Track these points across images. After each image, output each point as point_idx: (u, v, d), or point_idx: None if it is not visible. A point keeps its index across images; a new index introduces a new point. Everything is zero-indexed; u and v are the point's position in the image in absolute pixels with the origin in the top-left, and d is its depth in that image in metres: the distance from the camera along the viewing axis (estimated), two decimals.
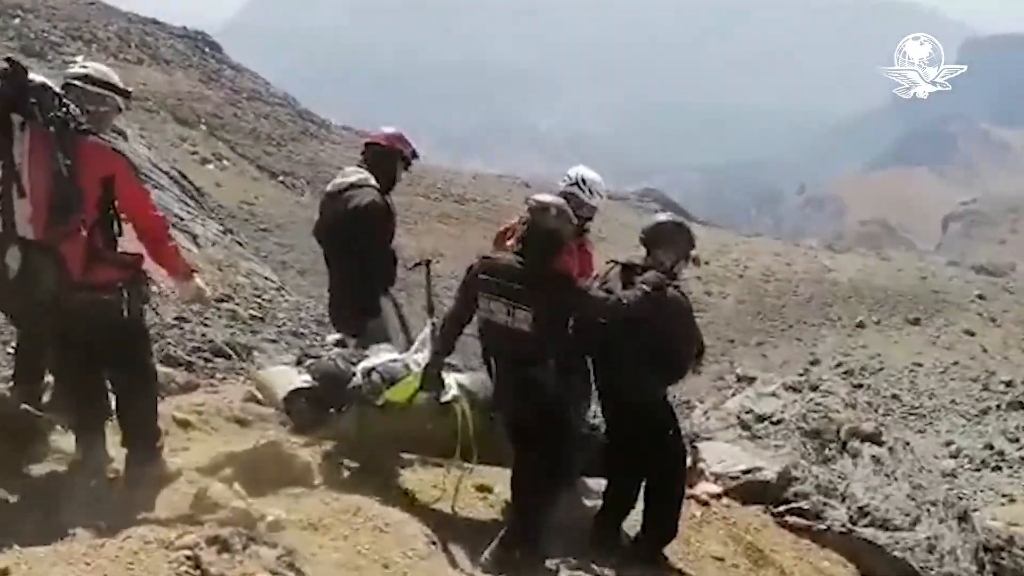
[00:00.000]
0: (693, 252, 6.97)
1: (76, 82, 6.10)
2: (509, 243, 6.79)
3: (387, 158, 7.97)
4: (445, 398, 6.64)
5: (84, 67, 6.27)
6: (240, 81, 39.67)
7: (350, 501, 6.20)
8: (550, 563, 6.30)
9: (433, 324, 6.98)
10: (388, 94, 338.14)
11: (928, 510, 7.34)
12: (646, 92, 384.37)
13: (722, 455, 8.54)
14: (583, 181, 7.66)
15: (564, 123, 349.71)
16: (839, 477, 8.51)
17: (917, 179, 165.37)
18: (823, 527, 8.18)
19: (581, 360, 6.76)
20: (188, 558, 4.42)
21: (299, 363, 7.18)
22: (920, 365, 27.50)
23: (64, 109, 5.43)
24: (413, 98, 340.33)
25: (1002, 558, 9.69)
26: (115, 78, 6.29)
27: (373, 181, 7.77)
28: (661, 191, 67.78)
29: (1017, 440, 23.68)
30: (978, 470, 22.25)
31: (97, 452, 5.97)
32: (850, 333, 29.85)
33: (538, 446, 6.25)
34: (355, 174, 7.86)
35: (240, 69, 41.51)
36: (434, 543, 6.14)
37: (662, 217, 7.25)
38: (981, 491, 20.25)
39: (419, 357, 6.83)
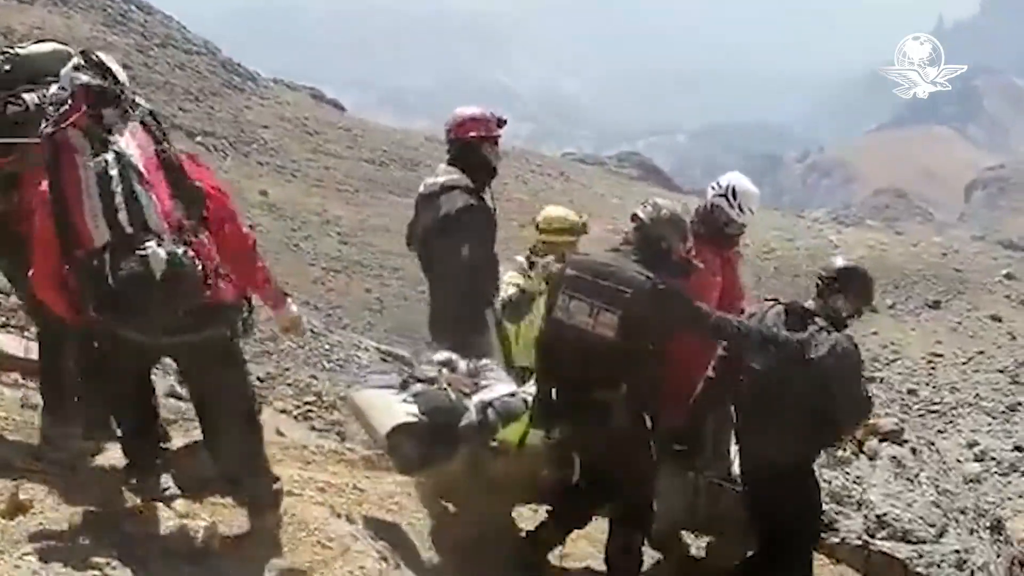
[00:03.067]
0: (869, 305, 7.12)
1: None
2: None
3: (469, 149, 7.89)
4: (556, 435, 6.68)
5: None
6: (152, 25, 39.22)
7: None
8: None
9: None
10: (326, 41, 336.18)
11: (956, 520, 7.40)
12: (632, 49, 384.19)
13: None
14: (734, 194, 7.76)
15: (539, 82, 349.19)
16: (854, 482, 8.55)
17: (937, 141, 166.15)
18: (836, 539, 8.23)
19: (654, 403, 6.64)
20: None
21: (404, 387, 7.00)
22: (940, 355, 27.66)
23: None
24: (356, 46, 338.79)
25: None
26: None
27: (465, 180, 7.71)
28: (643, 155, 67.85)
29: None
30: (1006, 474, 22.44)
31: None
32: (861, 319, 30.01)
33: (611, 493, 6.46)
34: (445, 174, 7.82)
35: (151, 11, 41.05)
36: None
37: (846, 261, 7.21)
38: (1010, 498, 20.41)
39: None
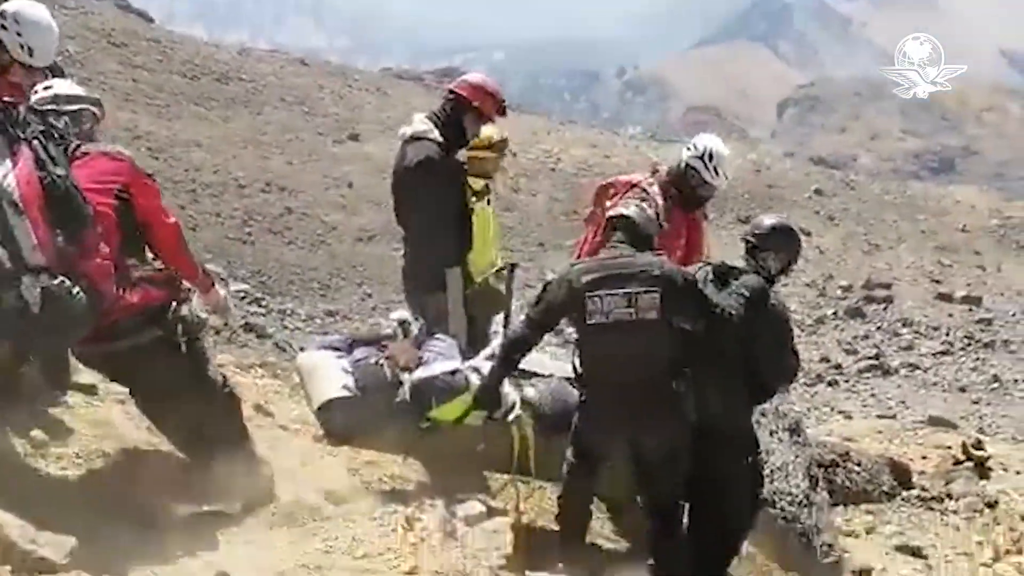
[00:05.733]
0: (796, 264, 7.09)
1: (48, 106, 6.09)
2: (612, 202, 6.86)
3: (454, 107, 7.71)
4: (500, 415, 6.71)
5: (49, 87, 6.32)
6: None
7: None
8: None
9: (507, 334, 6.95)
10: None
11: (757, 422, 7.74)
12: None
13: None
14: (710, 157, 7.83)
15: None
16: None
17: (751, 58, 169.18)
18: None
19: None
20: None
21: (350, 348, 7.03)
22: None
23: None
24: None
25: (836, 475, 10.41)
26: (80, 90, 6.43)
27: (435, 134, 7.54)
28: (462, 71, 67.70)
29: (855, 352, 25.06)
30: (813, 384, 23.43)
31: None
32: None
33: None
34: (420, 123, 7.64)
35: None
36: None
37: (776, 220, 7.15)
38: (816, 408, 21.34)
39: (486, 367, 6.77)
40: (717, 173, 7.94)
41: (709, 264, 6.88)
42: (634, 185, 7.86)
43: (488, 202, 7.98)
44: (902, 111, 78.13)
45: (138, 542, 5.22)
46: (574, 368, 6.45)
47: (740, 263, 6.78)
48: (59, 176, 5.27)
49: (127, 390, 6.36)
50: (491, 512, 6.53)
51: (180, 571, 4.99)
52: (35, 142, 5.33)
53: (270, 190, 28.05)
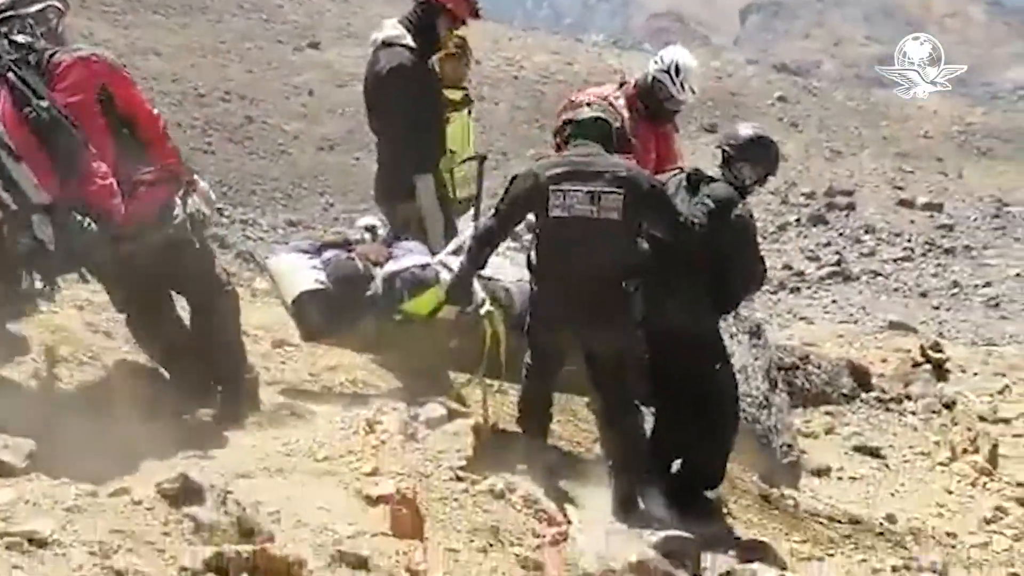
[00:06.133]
0: (773, 176, 7.05)
1: (8, 12, 5.82)
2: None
3: (426, 11, 7.45)
4: (471, 309, 6.67)
5: None
6: None
7: None
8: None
9: (476, 228, 6.84)
10: None
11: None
12: None
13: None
14: (677, 70, 7.76)
15: None
16: None
17: None
18: None
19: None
20: None
21: (319, 251, 6.99)
22: None
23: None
24: None
25: (795, 377, 10.53)
26: None
27: (408, 39, 7.33)
28: None
29: (817, 259, 25.22)
30: (775, 292, 23.59)
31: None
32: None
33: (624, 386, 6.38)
34: (391, 28, 7.43)
35: None
36: None
37: (753, 130, 7.09)
38: (778, 315, 21.49)
39: (454, 262, 6.73)
40: (684, 87, 7.88)
41: (682, 171, 6.87)
42: (604, 98, 7.77)
43: (469, 112, 8.00)
44: (866, 17, 77.90)
45: (98, 446, 5.21)
46: (528, 260, 6.47)
47: (715, 172, 6.77)
48: (43, 108, 5.25)
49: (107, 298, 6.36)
50: (452, 415, 6.54)
51: (141, 473, 4.99)
52: (10, 75, 5.29)
53: (230, 99, 27.84)
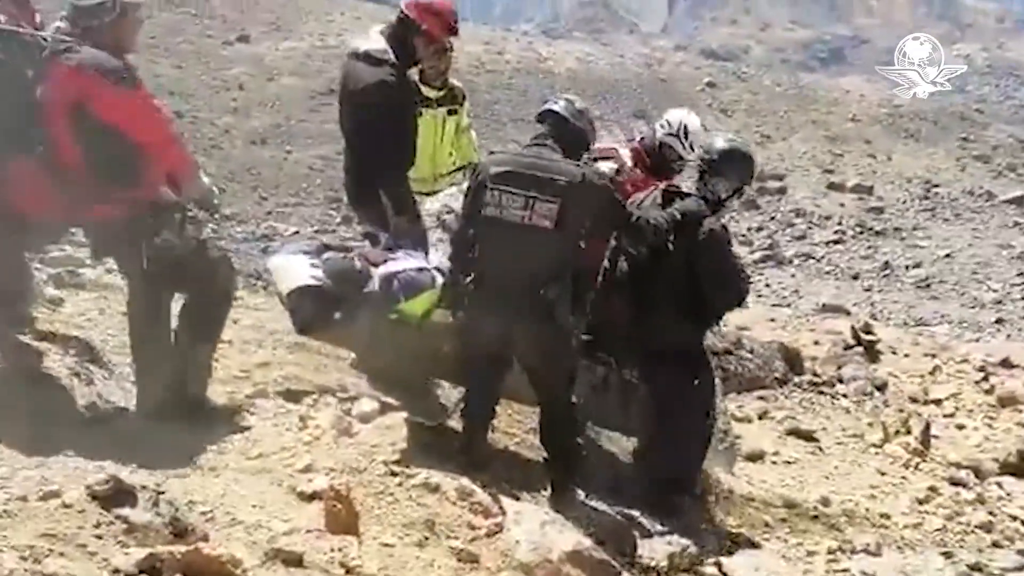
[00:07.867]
0: (750, 189, 7.09)
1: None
2: None
3: (402, 28, 7.36)
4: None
5: None
6: None
7: None
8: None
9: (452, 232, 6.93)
10: None
11: None
12: None
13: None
14: (686, 134, 7.83)
15: None
16: None
17: None
18: None
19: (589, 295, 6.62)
20: None
21: (320, 254, 6.96)
22: None
23: None
24: None
25: (729, 362, 10.60)
26: None
27: (391, 55, 7.21)
28: None
29: (750, 243, 25.35)
30: None
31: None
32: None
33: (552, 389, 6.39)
34: (376, 41, 7.31)
35: None
36: None
37: (728, 142, 7.10)
38: None
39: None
40: (693, 148, 7.86)
41: (659, 187, 6.95)
42: (610, 149, 7.98)
43: (452, 112, 8.36)
44: (792, 2, 78.42)
45: (32, 440, 5.19)
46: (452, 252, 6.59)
47: (690, 186, 6.87)
48: None
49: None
50: (385, 408, 6.58)
51: (72, 473, 4.95)
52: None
53: (160, 94, 27.48)
